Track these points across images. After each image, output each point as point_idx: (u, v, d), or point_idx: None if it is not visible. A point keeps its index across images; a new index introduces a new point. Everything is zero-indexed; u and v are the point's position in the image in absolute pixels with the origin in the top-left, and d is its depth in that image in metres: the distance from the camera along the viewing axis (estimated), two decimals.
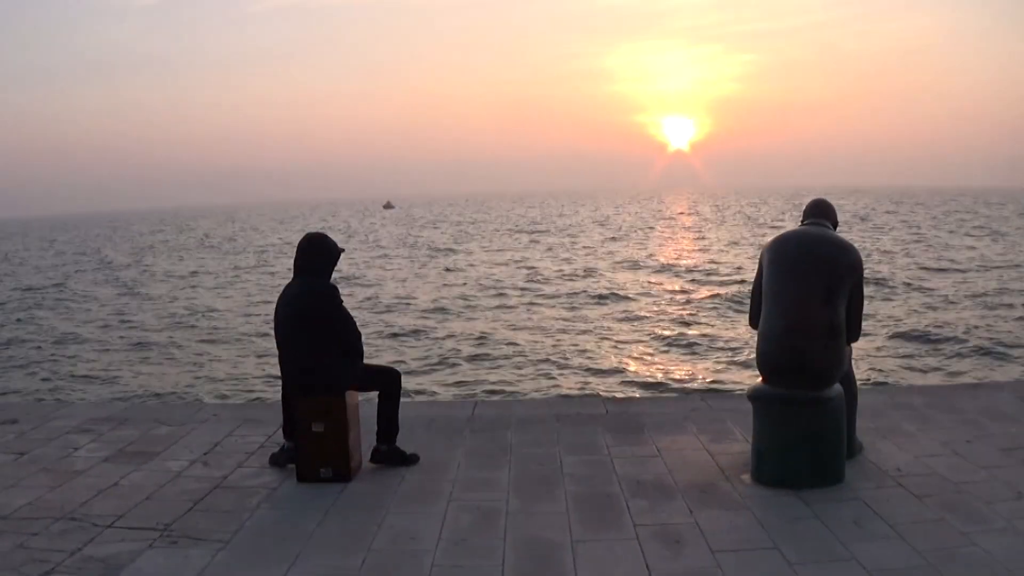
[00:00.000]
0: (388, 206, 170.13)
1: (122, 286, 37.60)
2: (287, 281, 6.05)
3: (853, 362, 6.27)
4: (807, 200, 6.41)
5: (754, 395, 5.77)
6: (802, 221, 6.08)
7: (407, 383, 8.54)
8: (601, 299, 27.53)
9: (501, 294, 29.53)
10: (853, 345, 5.96)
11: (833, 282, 5.57)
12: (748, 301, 6.30)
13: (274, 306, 6.00)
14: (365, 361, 6.03)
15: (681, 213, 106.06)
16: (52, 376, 18.09)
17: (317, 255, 5.96)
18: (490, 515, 5.09)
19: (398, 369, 6.24)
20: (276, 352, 6.04)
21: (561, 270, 37.18)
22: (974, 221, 69.50)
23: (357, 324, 6.01)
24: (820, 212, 6.06)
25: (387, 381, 5.99)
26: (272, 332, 6.05)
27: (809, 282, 5.60)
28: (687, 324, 22.34)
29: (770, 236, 6.59)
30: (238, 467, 6.07)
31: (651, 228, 73.17)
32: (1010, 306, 23.60)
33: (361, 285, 33.53)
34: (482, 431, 6.89)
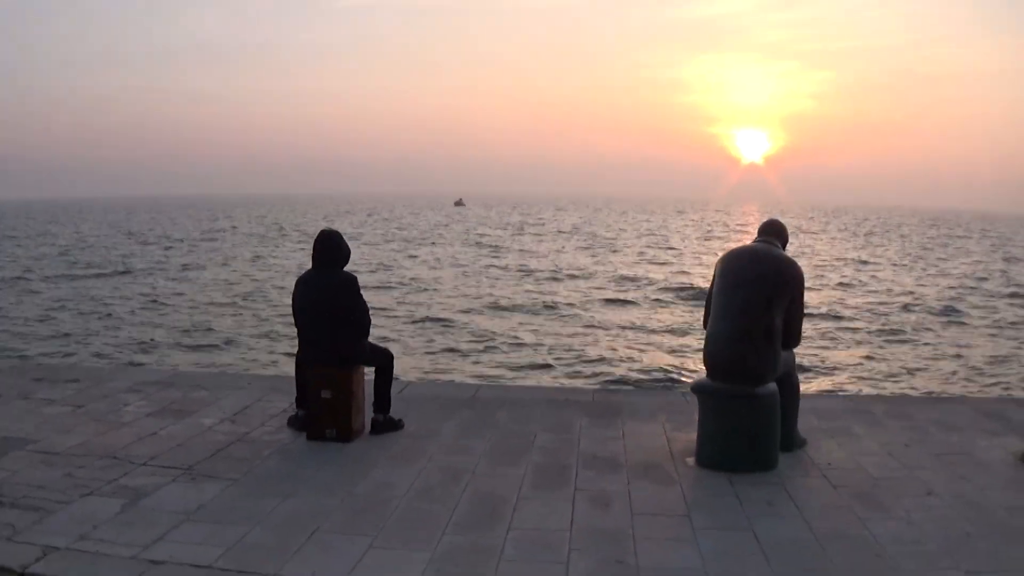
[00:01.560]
0: (459, 203, 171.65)
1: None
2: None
3: (797, 365, 7.06)
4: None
5: (697, 388, 6.64)
6: (756, 238, 6.92)
7: (439, 365, 9.51)
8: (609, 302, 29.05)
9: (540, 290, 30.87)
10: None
11: (773, 294, 6.35)
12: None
13: (292, 292, 7.03)
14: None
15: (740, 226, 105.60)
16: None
17: (336, 249, 6.99)
18: (458, 474, 6.03)
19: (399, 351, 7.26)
20: (295, 331, 7.07)
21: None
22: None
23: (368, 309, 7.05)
24: (771, 231, 6.87)
25: (383, 359, 7.02)
26: (291, 313, 7.09)
27: (752, 292, 6.40)
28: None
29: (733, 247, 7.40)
30: (260, 426, 7.13)
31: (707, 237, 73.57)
32: None
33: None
34: (477, 409, 7.84)
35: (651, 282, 35.02)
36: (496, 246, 57.17)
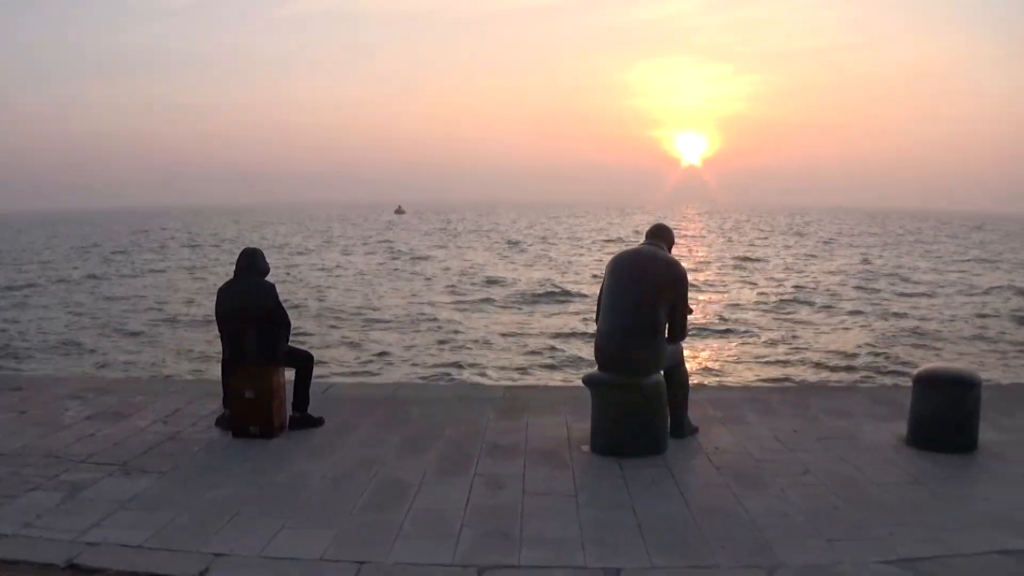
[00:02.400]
0: (399, 211, 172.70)
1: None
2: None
3: (685, 357, 7.70)
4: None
5: (588, 380, 7.30)
6: (643, 241, 7.54)
7: (361, 363, 10.09)
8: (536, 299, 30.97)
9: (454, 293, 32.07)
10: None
11: (657, 292, 7.01)
12: None
13: (216, 300, 7.63)
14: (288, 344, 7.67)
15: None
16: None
17: (259, 260, 7.61)
18: (369, 464, 6.67)
19: (312, 353, 7.92)
20: (218, 335, 7.67)
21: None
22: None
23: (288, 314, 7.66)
24: (657, 234, 7.52)
25: (302, 360, 7.66)
26: (215, 318, 7.68)
27: (637, 291, 7.05)
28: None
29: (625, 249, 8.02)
30: (191, 426, 7.70)
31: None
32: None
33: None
34: (393, 406, 8.48)
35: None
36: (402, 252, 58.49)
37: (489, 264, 49.20)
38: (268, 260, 7.78)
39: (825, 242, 75.12)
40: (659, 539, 5.28)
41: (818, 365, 19.71)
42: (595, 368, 7.35)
